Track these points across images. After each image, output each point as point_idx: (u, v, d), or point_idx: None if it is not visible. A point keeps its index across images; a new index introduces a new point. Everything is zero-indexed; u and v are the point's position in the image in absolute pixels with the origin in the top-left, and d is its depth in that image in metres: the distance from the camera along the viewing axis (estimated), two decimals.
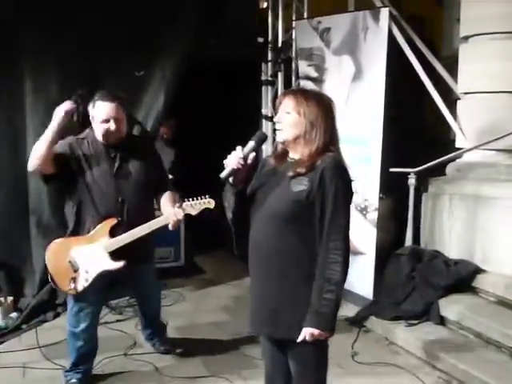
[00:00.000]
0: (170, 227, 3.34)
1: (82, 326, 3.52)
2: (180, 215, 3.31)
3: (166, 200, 3.52)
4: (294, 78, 5.72)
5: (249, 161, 2.33)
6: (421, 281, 4.45)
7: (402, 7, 5.27)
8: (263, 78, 5.93)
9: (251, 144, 2.34)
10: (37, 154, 3.23)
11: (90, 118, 3.39)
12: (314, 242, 2.24)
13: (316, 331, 2.18)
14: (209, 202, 3.33)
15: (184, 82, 4.95)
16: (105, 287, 3.56)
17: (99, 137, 3.39)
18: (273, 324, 2.33)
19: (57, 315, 4.68)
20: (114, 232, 3.37)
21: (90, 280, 3.36)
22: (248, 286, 5.47)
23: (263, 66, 5.90)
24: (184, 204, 3.32)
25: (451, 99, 5.05)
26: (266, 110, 5.97)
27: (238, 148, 2.33)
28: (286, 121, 2.29)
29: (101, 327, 4.43)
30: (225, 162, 2.32)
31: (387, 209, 5.10)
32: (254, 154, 2.34)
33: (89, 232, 3.38)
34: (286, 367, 2.43)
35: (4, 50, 4.57)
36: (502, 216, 4.38)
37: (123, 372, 3.80)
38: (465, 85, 4.86)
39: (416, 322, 4.29)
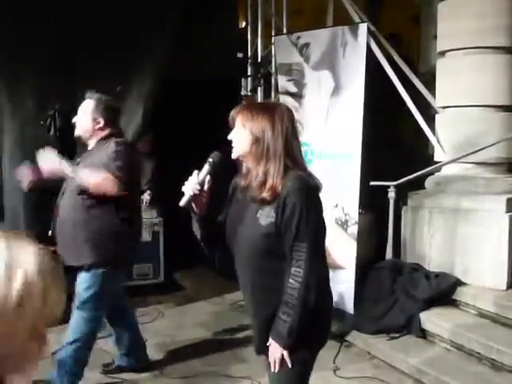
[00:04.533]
0: None
1: None
2: None
3: None
4: (273, 93, 5.74)
5: (206, 185, 2.25)
6: (402, 294, 4.45)
7: (380, 25, 5.35)
8: (243, 92, 5.94)
9: (206, 168, 2.26)
10: None
11: None
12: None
13: (271, 343, 2.23)
14: None
15: (163, 97, 4.93)
16: None
17: None
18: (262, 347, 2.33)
19: None
20: None
21: None
22: (228, 302, 5.46)
23: (243, 80, 5.92)
24: None
25: (429, 114, 5.10)
26: None
27: (195, 173, 2.25)
28: (236, 137, 2.23)
29: None
30: (183, 188, 2.24)
31: (367, 223, 5.11)
32: (208, 177, 2.24)
33: None
34: None
35: None
36: (481, 229, 4.42)
37: None
38: (442, 99, 4.92)
39: (397, 335, 4.28)
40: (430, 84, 5.08)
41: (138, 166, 3.60)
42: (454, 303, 4.41)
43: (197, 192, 2.22)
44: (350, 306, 4.63)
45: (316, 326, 2.27)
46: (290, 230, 2.14)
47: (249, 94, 5.84)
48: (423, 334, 4.26)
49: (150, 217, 5.67)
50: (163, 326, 4.94)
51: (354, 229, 4.65)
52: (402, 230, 4.92)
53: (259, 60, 5.85)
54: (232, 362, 4.04)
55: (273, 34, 5.79)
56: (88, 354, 3.54)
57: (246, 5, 5.97)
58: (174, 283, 6.05)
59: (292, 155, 2.22)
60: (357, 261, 4.63)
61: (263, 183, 2.18)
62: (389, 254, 4.87)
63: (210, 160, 2.28)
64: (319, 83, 4.96)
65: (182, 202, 2.24)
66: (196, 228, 2.35)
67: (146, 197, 5.89)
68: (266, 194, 2.17)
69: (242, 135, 2.22)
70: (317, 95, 4.95)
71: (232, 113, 2.29)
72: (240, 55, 5.82)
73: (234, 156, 2.28)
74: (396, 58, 5.00)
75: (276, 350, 2.22)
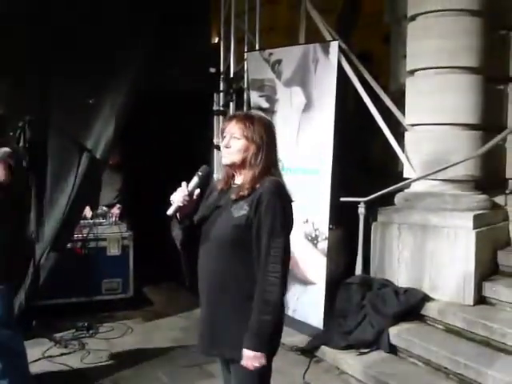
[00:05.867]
0: None
1: None
2: None
3: None
4: (245, 109, 5.76)
5: (194, 196, 2.36)
6: (371, 309, 4.47)
7: (352, 43, 5.43)
8: (215, 107, 5.94)
9: (195, 180, 2.36)
10: None
11: None
12: (254, 265, 2.26)
13: (252, 353, 2.20)
14: None
15: (135, 110, 4.91)
16: None
17: None
18: (219, 345, 2.34)
19: None
20: None
21: None
22: (197, 317, 5.39)
23: (215, 96, 5.93)
24: None
25: (399, 131, 5.18)
26: (218, 139, 5.97)
27: (183, 184, 2.34)
28: (235, 146, 2.32)
29: (45, 361, 4.29)
30: (171, 198, 2.33)
31: (337, 238, 5.14)
32: (198, 190, 2.35)
33: None
34: None
35: None
36: (448, 245, 4.48)
37: None
38: (411, 117, 5.00)
39: (367, 350, 4.30)
40: (400, 102, 5.16)
41: (23, 178, 3.41)
42: (422, 318, 4.45)
43: (186, 203, 2.32)
44: (319, 322, 4.64)
45: (280, 325, 2.30)
46: (265, 225, 2.22)
47: (221, 108, 5.86)
48: (392, 349, 4.28)
49: (119, 231, 5.61)
50: (131, 341, 4.88)
51: (324, 244, 4.67)
52: (371, 245, 4.96)
53: (232, 75, 5.87)
54: (199, 378, 4.00)
55: (245, 50, 5.83)
56: (25, 379, 3.40)
57: (219, 20, 6.01)
58: (143, 298, 5.99)
59: (275, 164, 2.38)
60: (327, 276, 4.65)
61: (246, 186, 2.29)
62: (358, 270, 4.91)
63: (200, 173, 2.38)
64: (291, 99, 5.01)
65: (170, 211, 2.33)
66: (178, 236, 2.40)
67: (115, 211, 5.82)
68: (244, 192, 2.28)
69: (243, 145, 2.31)
70: (288, 111, 4.99)
71: (226, 122, 2.41)
72: (213, 70, 5.84)
73: (226, 162, 2.36)
74: (366, 75, 5.07)
75: (259, 357, 2.20)
